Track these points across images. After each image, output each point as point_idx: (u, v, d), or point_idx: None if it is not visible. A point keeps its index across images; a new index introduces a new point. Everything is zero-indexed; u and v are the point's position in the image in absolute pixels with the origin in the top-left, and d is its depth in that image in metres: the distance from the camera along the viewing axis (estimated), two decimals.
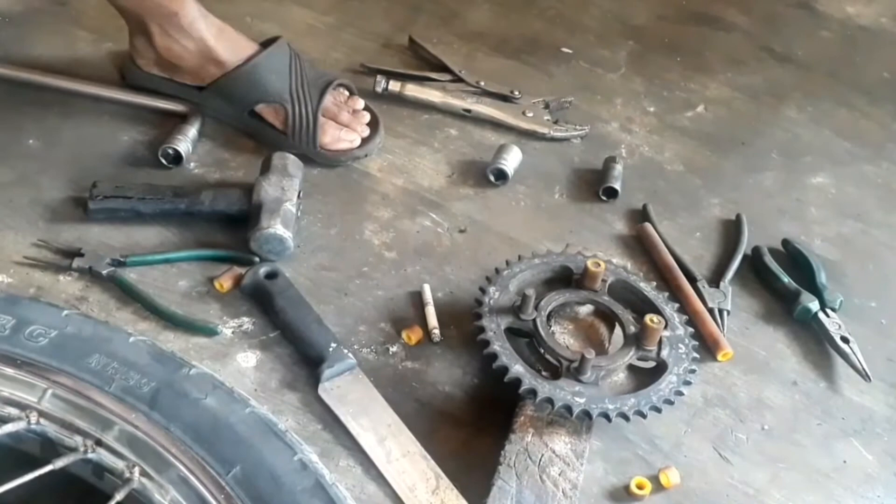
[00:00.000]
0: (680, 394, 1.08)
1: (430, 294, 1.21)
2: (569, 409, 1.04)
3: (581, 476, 1.03)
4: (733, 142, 1.60)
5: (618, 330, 1.15)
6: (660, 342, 1.11)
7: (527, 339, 1.13)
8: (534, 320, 1.11)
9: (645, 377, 1.11)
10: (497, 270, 1.18)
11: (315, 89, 1.37)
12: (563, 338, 1.13)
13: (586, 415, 1.04)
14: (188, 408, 0.96)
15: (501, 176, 1.41)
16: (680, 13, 1.92)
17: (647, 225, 1.37)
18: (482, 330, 1.10)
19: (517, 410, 1.07)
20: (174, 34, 1.34)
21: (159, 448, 0.91)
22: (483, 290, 1.15)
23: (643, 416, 1.05)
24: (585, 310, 1.18)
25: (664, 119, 1.62)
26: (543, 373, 1.08)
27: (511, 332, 1.12)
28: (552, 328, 1.13)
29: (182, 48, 1.35)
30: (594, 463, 1.08)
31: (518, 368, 1.06)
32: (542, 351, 1.11)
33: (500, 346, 1.08)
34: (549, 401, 1.04)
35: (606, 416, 1.04)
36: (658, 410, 1.06)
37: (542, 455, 1.03)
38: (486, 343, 1.09)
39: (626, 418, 1.05)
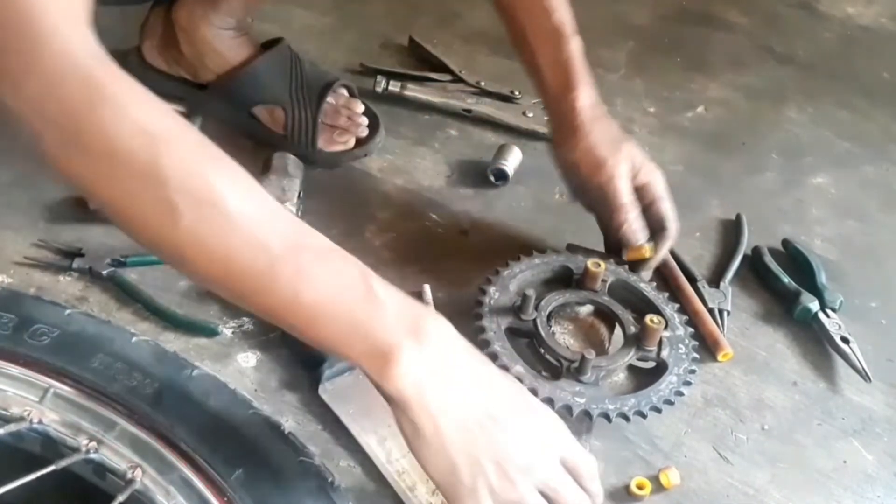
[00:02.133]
0: (680, 394, 1.08)
1: (431, 294, 1.21)
2: (569, 409, 1.04)
3: None
4: (733, 142, 1.61)
5: (618, 330, 1.16)
6: (660, 342, 1.11)
7: (527, 339, 1.13)
8: (534, 320, 1.12)
9: (645, 377, 1.11)
10: (497, 271, 1.19)
11: (314, 92, 1.37)
12: (563, 338, 1.13)
13: (587, 415, 1.04)
14: (191, 409, 0.96)
15: (501, 176, 1.41)
16: (680, 13, 1.92)
17: None
18: (482, 330, 1.10)
19: None
20: (214, 16, 1.35)
21: (162, 449, 0.92)
22: (483, 291, 1.15)
23: (643, 416, 1.06)
24: (585, 310, 1.18)
25: (664, 119, 1.62)
26: (543, 373, 1.08)
27: (511, 333, 1.12)
28: (552, 328, 1.13)
29: (207, 30, 1.35)
30: None
31: (518, 369, 1.06)
32: (543, 351, 1.11)
33: (501, 347, 1.08)
34: (550, 401, 1.04)
35: (607, 417, 1.04)
36: (658, 410, 1.06)
37: None
38: (487, 343, 1.09)
39: (627, 418, 1.05)
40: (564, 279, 1.20)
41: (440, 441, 0.80)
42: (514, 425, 0.82)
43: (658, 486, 1.06)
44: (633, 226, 1.17)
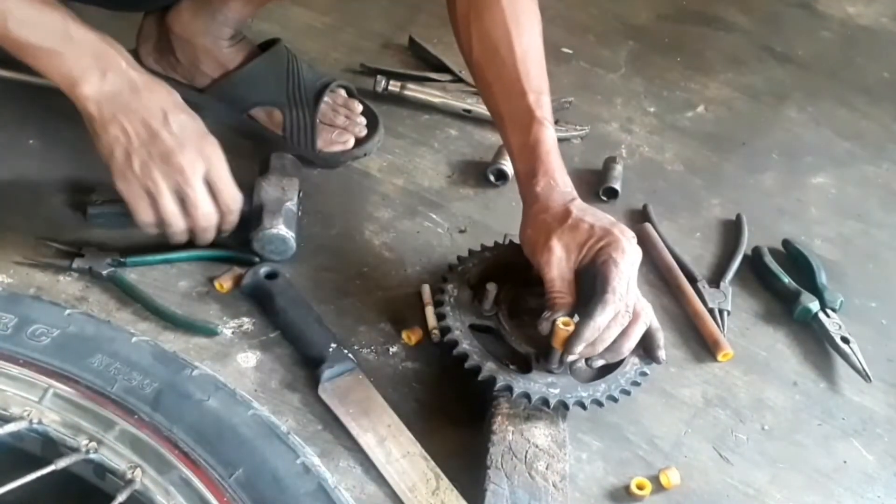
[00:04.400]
0: (644, 374, 1.08)
1: (430, 294, 1.21)
2: (545, 401, 1.04)
3: (567, 466, 1.03)
4: (734, 142, 1.61)
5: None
6: None
7: (490, 334, 1.12)
8: (496, 315, 1.11)
9: None
10: (450, 266, 1.18)
11: (312, 92, 1.36)
12: (524, 329, 1.11)
13: (563, 405, 1.04)
14: (191, 409, 0.96)
15: (501, 176, 1.41)
16: (680, 13, 1.92)
17: (648, 225, 1.37)
18: (449, 330, 1.09)
19: (493, 410, 1.06)
20: (210, 27, 1.35)
21: (161, 449, 0.91)
22: (441, 290, 1.14)
23: (615, 400, 1.06)
24: (536, 300, 1.13)
25: (664, 119, 1.62)
26: (511, 366, 1.07)
27: (474, 329, 1.11)
28: (514, 320, 1.12)
29: (203, 39, 1.35)
30: (594, 463, 1.08)
31: (490, 366, 1.06)
32: (511, 344, 1.10)
33: (469, 345, 1.08)
34: (526, 395, 1.04)
35: (582, 405, 1.04)
36: (628, 393, 1.07)
37: (527, 451, 1.03)
38: (456, 343, 1.08)
39: (601, 404, 1.05)
40: (517, 269, 1.17)
41: (105, 138, 1.11)
42: (169, 134, 1.11)
43: (658, 487, 1.06)
44: (545, 321, 1.04)
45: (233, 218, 1.18)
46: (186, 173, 1.11)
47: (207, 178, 1.13)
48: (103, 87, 1.08)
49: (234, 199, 1.16)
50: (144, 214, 1.13)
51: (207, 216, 1.15)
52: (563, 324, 1.02)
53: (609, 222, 1.07)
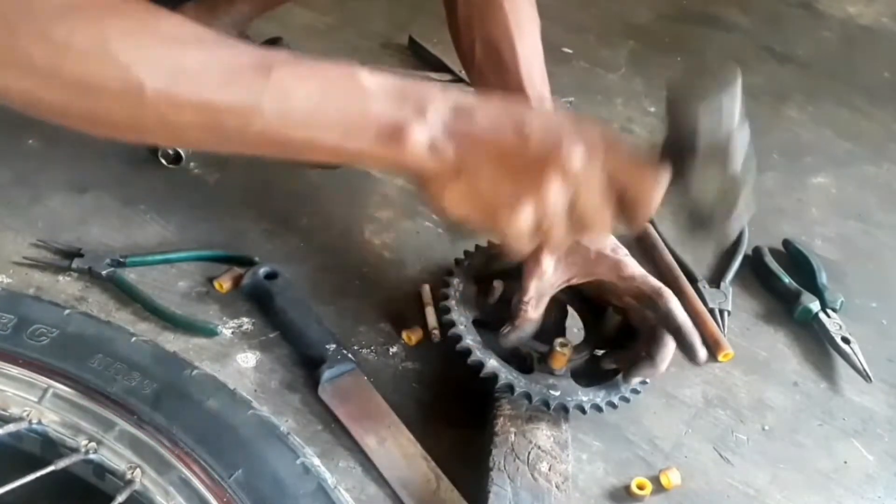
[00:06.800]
0: (645, 382, 1.09)
1: (430, 294, 1.21)
2: (546, 403, 1.04)
3: (570, 467, 1.03)
4: None
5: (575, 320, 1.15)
6: None
7: (492, 330, 1.11)
8: (500, 312, 1.11)
9: None
10: (457, 261, 1.17)
11: None
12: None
13: (563, 408, 1.04)
14: (191, 409, 0.96)
15: None
16: (680, 13, 1.92)
17: (648, 225, 1.37)
18: (453, 324, 1.09)
19: (495, 412, 1.06)
20: (214, 23, 1.34)
21: (161, 450, 0.91)
22: (447, 283, 1.14)
23: (614, 406, 1.06)
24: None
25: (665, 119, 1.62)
26: (512, 365, 1.07)
27: (477, 324, 1.10)
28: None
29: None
30: (594, 463, 1.08)
31: (493, 363, 1.05)
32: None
33: (473, 340, 1.07)
34: (527, 396, 1.04)
35: (582, 409, 1.04)
36: (627, 400, 1.07)
37: (529, 452, 1.03)
38: (459, 337, 1.07)
39: (600, 409, 1.05)
40: (521, 269, 1.17)
41: (462, 185, 0.80)
42: (541, 135, 0.80)
43: (658, 487, 1.06)
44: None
45: (647, 212, 0.87)
46: (585, 170, 0.81)
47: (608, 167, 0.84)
48: (431, 124, 0.78)
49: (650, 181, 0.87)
50: (525, 246, 0.87)
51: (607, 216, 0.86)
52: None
53: (612, 245, 1.08)
